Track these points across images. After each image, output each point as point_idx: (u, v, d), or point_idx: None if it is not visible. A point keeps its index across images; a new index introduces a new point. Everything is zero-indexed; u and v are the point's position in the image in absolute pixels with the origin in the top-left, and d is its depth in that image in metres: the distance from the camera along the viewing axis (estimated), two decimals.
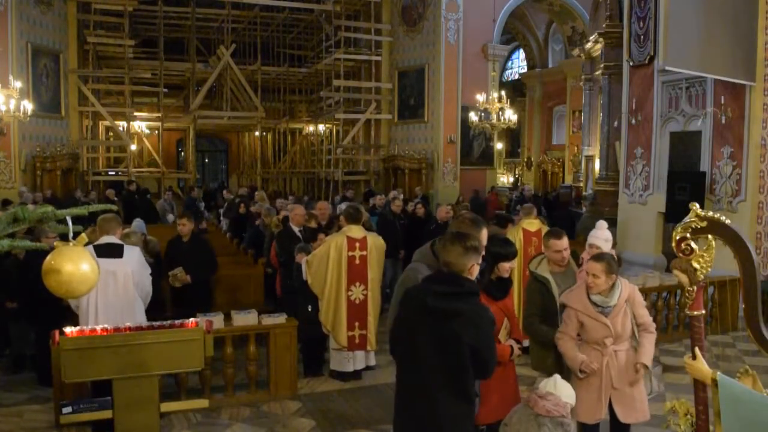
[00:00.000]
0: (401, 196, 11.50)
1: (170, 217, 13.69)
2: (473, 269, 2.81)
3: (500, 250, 3.55)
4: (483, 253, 2.94)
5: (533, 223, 6.57)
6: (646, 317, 3.72)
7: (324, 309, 5.70)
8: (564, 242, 4.09)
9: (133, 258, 4.80)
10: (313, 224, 6.89)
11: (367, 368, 5.95)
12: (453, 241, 2.80)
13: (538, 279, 4.12)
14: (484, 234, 3.16)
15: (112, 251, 4.67)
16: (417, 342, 2.74)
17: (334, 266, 5.64)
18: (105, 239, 4.73)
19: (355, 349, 5.77)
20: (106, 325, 4.27)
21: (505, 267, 3.54)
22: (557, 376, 2.89)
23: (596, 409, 3.63)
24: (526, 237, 6.39)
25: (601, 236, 4.18)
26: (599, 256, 3.65)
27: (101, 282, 4.54)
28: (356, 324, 5.72)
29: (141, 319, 4.67)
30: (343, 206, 12.25)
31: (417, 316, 2.75)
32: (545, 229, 6.05)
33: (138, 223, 6.80)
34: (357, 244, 5.70)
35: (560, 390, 2.79)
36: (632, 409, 3.64)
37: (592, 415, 3.64)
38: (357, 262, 5.70)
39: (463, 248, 2.76)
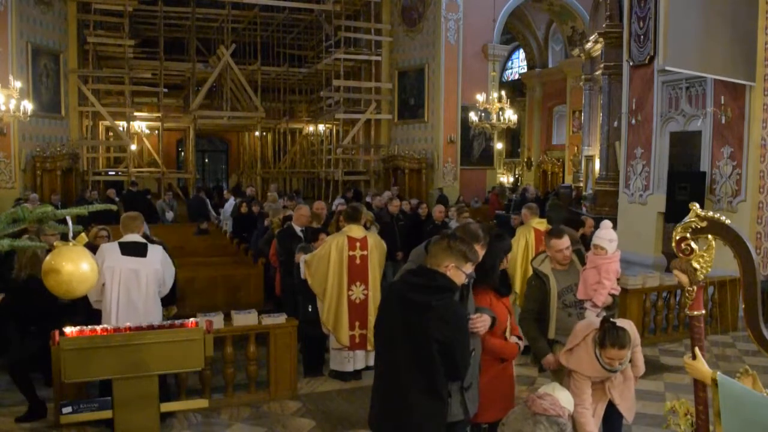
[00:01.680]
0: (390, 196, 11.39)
1: (170, 215, 13.73)
2: (451, 269, 2.79)
3: (503, 245, 3.62)
4: (470, 261, 2.92)
5: (542, 223, 6.64)
6: (640, 367, 3.74)
7: (325, 308, 5.70)
8: (564, 241, 4.11)
9: (157, 257, 4.81)
10: (315, 224, 6.88)
11: (367, 368, 5.95)
12: (442, 237, 2.89)
13: (539, 275, 4.17)
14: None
15: (137, 250, 4.70)
16: (391, 333, 2.80)
17: (335, 266, 5.64)
18: (129, 237, 4.75)
19: (355, 348, 5.78)
20: (106, 325, 4.28)
21: (506, 260, 3.63)
22: (556, 384, 2.91)
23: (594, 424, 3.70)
24: (537, 236, 6.42)
25: (605, 236, 4.16)
26: (622, 342, 3.26)
27: (124, 281, 4.58)
28: (357, 323, 5.73)
29: (158, 319, 4.71)
30: (337, 201, 12.34)
31: (393, 307, 2.81)
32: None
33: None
34: (357, 244, 5.71)
35: (558, 395, 2.80)
36: (632, 405, 3.72)
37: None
38: (358, 261, 5.70)
39: (447, 245, 2.81)
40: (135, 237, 4.77)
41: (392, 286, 2.99)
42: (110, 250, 4.65)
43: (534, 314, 4.09)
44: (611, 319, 3.44)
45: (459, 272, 2.82)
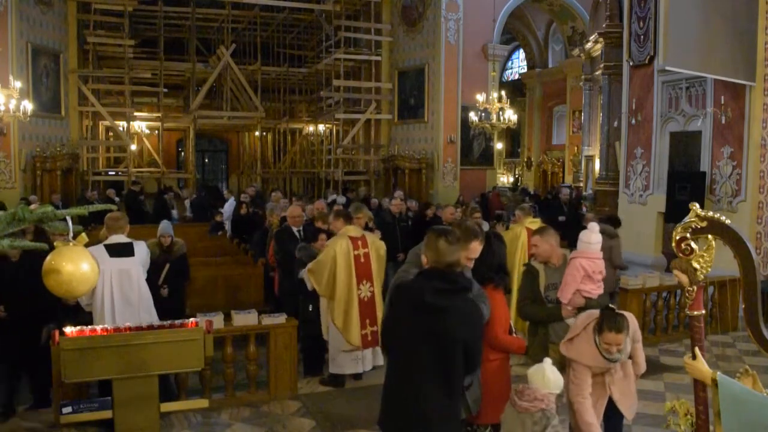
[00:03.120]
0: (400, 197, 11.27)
1: (173, 213, 13.80)
2: (463, 260, 2.90)
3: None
4: (469, 257, 3.01)
5: (535, 222, 6.71)
6: (640, 366, 3.69)
7: (336, 311, 5.64)
8: (534, 239, 4.27)
9: (143, 252, 4.87)
10: (321, 224, 6.81)
11: (374, 368, 5.93)
12: (438, 237, 2.83)
13: (530, 270, 4.28)
14: (473, 246, 3.12)
15: (124, 250, 4.70)
16: (411, 337, 2.77)
17: (344, 268, 5.62)
18: (114, 238, 4.75)
19: (368, 346, 5.78)
20: (106, 325, 4.28)
21: None
22: (542, 365, 2.88)
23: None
24: (530, 235, 6.47)
25: (582, 237, 4.21)
26: (619, 327, 3.33)
27: (116, 282, 4.58)
28: (367, 321, 5.74)
29: (153, 314, 4.72)
30: (336, 198, 12.31)
31: (412, 312, 2.78)
32: None
33: (165, 225, 6.77)
34: (359, 243, 5.74)
35: (544, 378, 2.80)
36: (633, 404, 3.73)
37: None
38: (362, 260, 5.74)
39: (447, 242, 2.82)
40: (120, 238, 4.77)
41: (405, 290, 2.90)
42: (96, 253, 4.50)
43: (529, 301, 4.22)
44: (611, 306, 3.46)
45: (465, 258, 2.95)
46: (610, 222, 8.01)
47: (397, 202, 9.44)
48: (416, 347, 2.75)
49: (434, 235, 2.84)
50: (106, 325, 4.35)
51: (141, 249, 4.87)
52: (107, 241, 4.73)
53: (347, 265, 5.64)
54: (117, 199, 14.08)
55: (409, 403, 2.78)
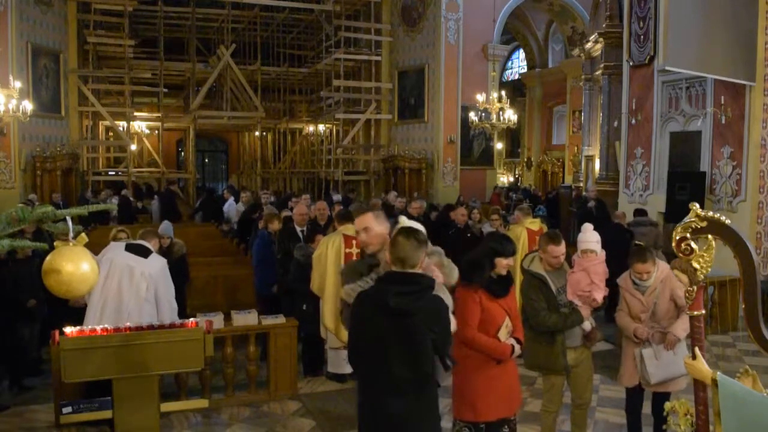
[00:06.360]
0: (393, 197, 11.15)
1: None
2: (423, 262, 2.87)
3: (497, 246, 3.53)
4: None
5: (535, 223, 6.71)
6: (683, 299, 3.80)
7: (326, 309, 5.59)
8: (561, 248, 4.05)
9: (157, 264, 4.77)
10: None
11: None
12: (407, 237, 2.81)
13: (535, 276, 4.11)
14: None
15: (139, 251, 4.74)
16: (381, 343, 2.73)
17: (333, 265, 5.54)
18: (139, 241, 4.87)
19: None
20: (106, 325, 4.27)
21: (502, 263, 3.51)
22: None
23: (632, 375, 4.16)
24: (530, 236, 6.46)
25: (592, 239, 4.16)
26: (643, 257, 4.04)
27: (116, 272, 4.59)
28: None
29: (145, 320, 4.68)
30: (338, 197, 12.32)
31: (378, 318, 2.73)
32: (546, 229, 6.18)
33: (165, 225, 6.75)
34: (353, 242, 5.68)
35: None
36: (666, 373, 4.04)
37: (629, 380, 4.21)
38: (353, 258, 5.68)
39: (417, 241, 2.80)
40: (144, 243, 4.84)
41: (367, 296, 2.85)
42: (116, 246, 4.80)
43: (545, 310, 4.03)
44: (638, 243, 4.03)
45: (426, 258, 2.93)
46: (643, 214, 8.55)
47: (417, 205, 9.17)
48: (389, 351, 2.70)
49: (401, 235, 2.84)
50: (97, 313, 4.42)
51: (157, 260, 4.82)
52: (131, 241, 4.88)
53: (337, 262, 5.56)
54: (132, 199, 14.15)
55: (390, 408, 2.73)
